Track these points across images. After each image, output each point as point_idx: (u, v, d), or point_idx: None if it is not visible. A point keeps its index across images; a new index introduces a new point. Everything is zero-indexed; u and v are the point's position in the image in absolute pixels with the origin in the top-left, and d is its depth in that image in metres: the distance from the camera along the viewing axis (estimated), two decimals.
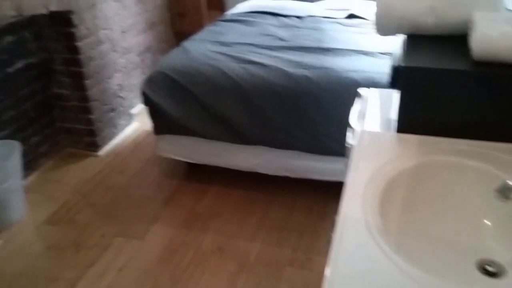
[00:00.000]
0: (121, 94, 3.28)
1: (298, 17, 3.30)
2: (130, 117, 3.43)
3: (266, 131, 2.46)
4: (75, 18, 2.74)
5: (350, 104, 1.68)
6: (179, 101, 2.54)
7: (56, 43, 2.81)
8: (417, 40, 1.31)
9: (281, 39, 2.86)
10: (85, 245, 2.32)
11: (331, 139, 2.36)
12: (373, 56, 2.52)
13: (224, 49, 2.70)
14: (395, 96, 1.39)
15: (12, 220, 2.44)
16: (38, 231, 2.44)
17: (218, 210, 2.55)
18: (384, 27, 1.34)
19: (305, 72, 2.40)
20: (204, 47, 2.75)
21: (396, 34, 1.40)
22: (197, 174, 2.83)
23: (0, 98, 2.57)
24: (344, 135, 2.23)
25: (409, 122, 1.24)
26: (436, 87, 1.18)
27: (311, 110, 2.35)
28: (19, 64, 2.68)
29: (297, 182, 2.61)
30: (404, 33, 1.36)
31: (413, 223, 1.02)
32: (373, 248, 0.86)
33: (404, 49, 1.28)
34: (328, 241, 1.05)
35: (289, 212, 2.52)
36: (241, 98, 2.43)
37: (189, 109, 2.53)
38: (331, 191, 2.56)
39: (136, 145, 3.20)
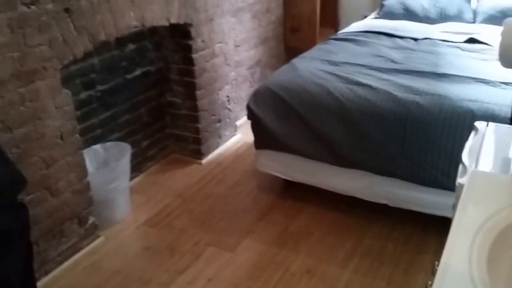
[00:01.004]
0: (229, 106, 3.38)
1: (414, 39, 3.15)
2: (235, 129, 3.51)
3: (367, 155, 2.37)
4: (193, 31, 2.87)
5: (463, 136, 1.56)
6: (282, 118, 2.54)
7: (174, 54, 2.97)
8: None
9: (393, 61, 2.75)
10: (179, 250, 2.40)
11: (437, 171, 2.21)
12: (494, 86, 2.32)
13: (332, 69, 2.66)
14: None
15: (116, 219, 2.59)
16: (138, 231, 2.57)
17: (311, 231, 2.49)
18: (509, 59, 1.22)
19: (416, 98, 2.28)
20: (312, 66, 2.73)
21: None
22: (293, 191, 2.81)
23: (118, 102, 2.77)
24: (452, 168, 2.07)
25: None
26: None
27: (419, 138, 2.22)
28: (138, 72, 2.86)
29: (395, 211, 2.47)
30: None
31: None
32: None
33: None
34: None
35: (384, 242, 2.39)
36: (345, 119, 2.37)
37: (292, 127, 2.52)
38: (431, 225, 2.40)
39: (237, 156, 3.27)
